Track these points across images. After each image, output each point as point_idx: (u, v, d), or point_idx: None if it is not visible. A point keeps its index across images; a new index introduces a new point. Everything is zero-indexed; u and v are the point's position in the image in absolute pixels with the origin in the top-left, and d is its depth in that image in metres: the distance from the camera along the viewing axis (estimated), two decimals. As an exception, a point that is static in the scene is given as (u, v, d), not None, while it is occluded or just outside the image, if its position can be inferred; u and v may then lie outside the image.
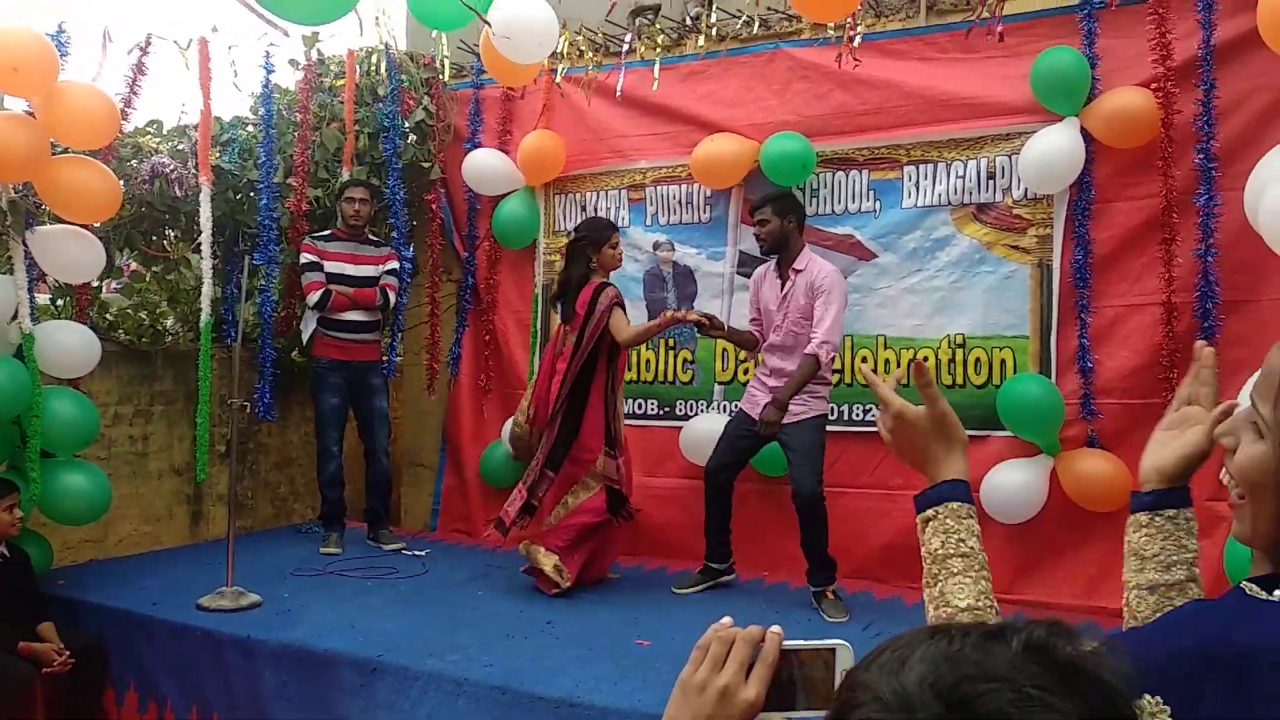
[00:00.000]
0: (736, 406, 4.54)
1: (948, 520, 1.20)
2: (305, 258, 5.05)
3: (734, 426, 4.43)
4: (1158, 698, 0.88)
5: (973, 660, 0.63)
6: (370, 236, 5.28)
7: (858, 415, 4.81)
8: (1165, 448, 1.27)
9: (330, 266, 5.06)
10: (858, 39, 4.33)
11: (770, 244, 4.29)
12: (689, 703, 0.86)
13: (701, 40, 4.92)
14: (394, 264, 5.29)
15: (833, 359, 4.20)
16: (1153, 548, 1.25)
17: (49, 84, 3.91)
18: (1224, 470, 1.02)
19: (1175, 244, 4.18)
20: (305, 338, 5.17)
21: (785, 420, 4.14)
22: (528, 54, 3.82)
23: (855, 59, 4.19)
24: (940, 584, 1.19)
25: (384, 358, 5.42)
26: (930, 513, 1.22)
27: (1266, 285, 4.00)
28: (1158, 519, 1.26)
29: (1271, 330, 3.92)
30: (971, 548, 1.20)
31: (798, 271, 4.25)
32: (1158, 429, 1.29)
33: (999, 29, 3.81)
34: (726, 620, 0.89)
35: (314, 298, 5.00)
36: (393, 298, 5.25)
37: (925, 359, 4.68)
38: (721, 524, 4.44)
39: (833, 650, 0.85)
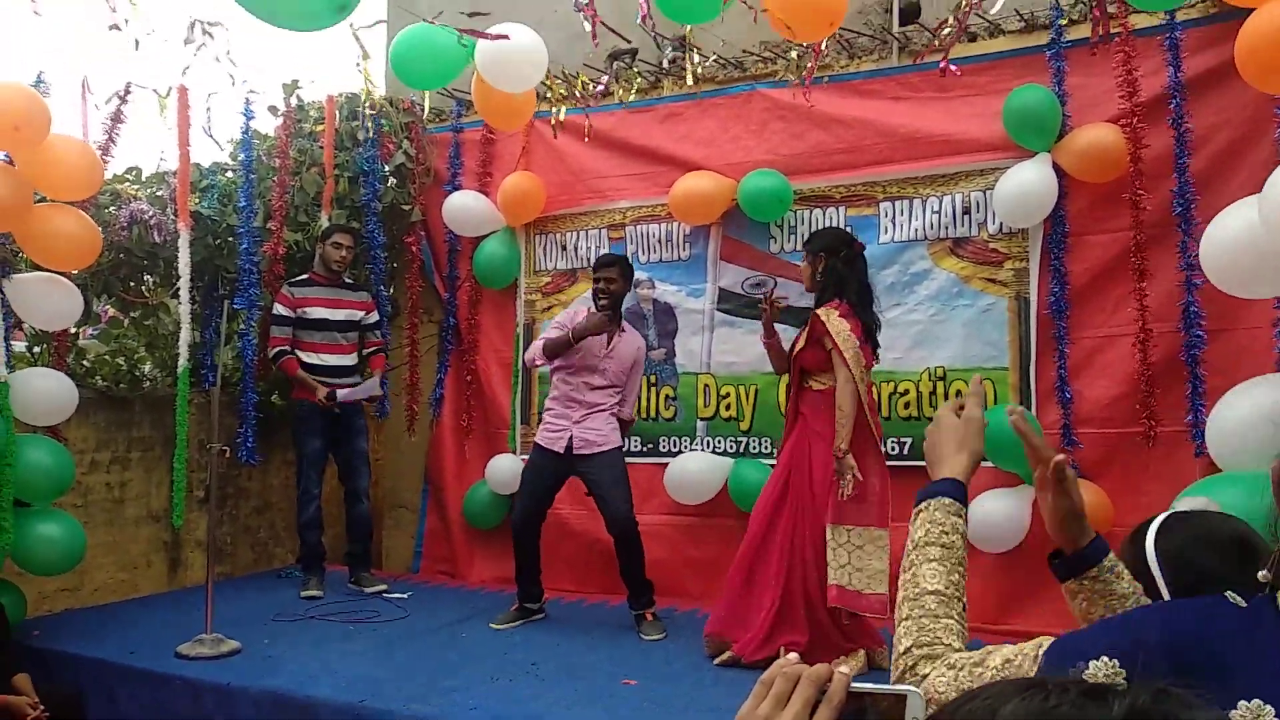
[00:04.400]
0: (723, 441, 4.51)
1: (935, 513, 1.25)
2: (277, 309, 5.07)
3: (533, 471, 4.56)
4: None
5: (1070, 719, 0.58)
6: (347, 280, 5.28)
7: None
8: (1046, 515, 1.35)
9: (311, 312, 5.06)
10: (826, 78, 4.39)
11: (610, 301, 4.47)
12: None
13: (691, 80, 4.96)
14: (375, 315, 5.33)
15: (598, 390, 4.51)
16: (1096, 610, 1.31)
17: (42, 140, 3.92)
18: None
19: (1148, 275, 4.25)
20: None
21: (588, 452, 4.40)
22: (519, 80, 3.83)
23: (806, 97, 4.27)
24: (914, 569, 1.22)
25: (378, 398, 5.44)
26: (921, 506, 1.27)
27: (1242, 314, 4.05)
28: (1085, 583, 1.32)
29: (1248, 357, 3.97)
30: (952, 541, 1.23)
31: (623, 333, 4.56)
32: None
33: (944, 64, 3.87)
34: (793, 656, 0.84)
35: (272, 353, 5.05)
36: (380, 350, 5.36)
37: (905, 391, 4.72)
38: (534, 571, 4.54)
39: (904, 697, 0.80)
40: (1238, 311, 4.07)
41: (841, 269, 3.96)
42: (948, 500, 1.25)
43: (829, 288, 3.97)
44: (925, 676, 1.12)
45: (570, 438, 4.44)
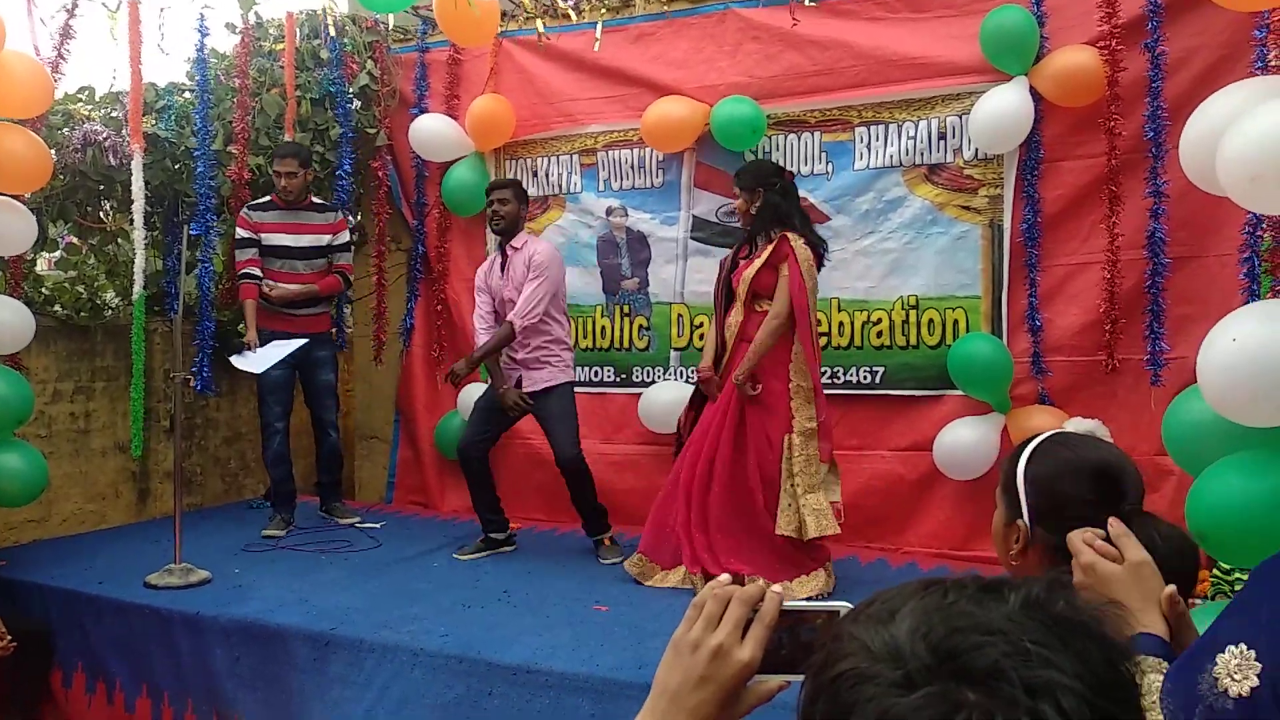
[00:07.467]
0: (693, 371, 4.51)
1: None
2: (239, 233, 4.87)
3: (485, 401, 4.56)
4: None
5: (967, 613, 0.60)
6: (314, 202, 5.01)
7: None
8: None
9: (268, 238, 4.84)
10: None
11: (506, 223, 4.44)
12: (681, 662, 0.81)
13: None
14: (344, 235, 5.08)
15: (527, 328, 4.35)
16: None
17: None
18: None
19: (1121, 202, 4.22)
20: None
21: (535, 389, 4.41)
22: None
23: (795, 18, 4.16)
24: None
25: (333, 330, 5.31)
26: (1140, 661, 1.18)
27: (1211, 241, 4.05)
28: None
29: (1217, 285, 3.98)
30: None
31: (515, 249, 4.47)
32: None
33: None
34: (724, 578, 0.85)
35: (241, 274, 4.87)
36: (349, 277, 5.15)
37: (878, 320, 4.71)
38: (489, 498, 4.53)
39: (835, 613, 0.80)
40: (1205, 239, 4.07)
41: (778, 200, 3.95)
42: (1151, 659, 1.16)
43: (769, 220, 3.95)
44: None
45: (519, 377, 4.46)
